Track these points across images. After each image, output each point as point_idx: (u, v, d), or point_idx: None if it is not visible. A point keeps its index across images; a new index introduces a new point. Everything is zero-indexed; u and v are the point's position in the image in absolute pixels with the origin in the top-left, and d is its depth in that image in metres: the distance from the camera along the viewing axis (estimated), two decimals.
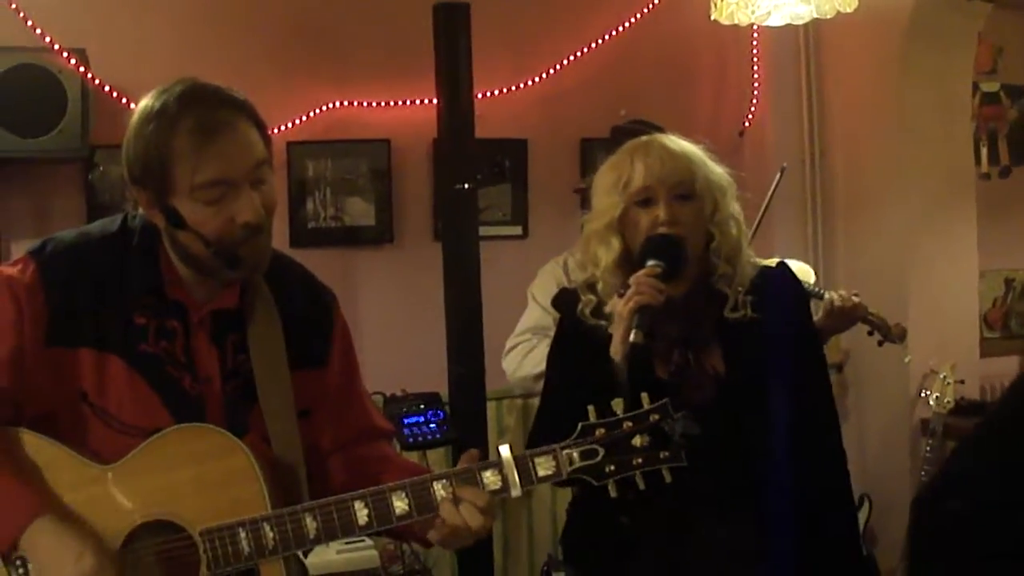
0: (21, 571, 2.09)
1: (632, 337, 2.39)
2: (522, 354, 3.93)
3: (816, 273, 5.34)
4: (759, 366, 2.53)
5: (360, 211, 5.03)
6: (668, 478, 2.12)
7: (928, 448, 4.89)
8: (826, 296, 3.73)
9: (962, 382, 4.96)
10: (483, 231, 4.78)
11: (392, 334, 5.01)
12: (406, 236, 5.12)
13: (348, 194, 5.01)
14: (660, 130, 3.16)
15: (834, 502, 2.63)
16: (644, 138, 2.63)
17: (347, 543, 4.14)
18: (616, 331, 2.45)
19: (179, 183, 2.11)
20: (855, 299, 3.74)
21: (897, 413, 5.23)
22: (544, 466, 2.12)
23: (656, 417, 2.12)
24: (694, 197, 2.53)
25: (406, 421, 4.49)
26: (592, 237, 2.60)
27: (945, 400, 4.92)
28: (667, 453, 2.11)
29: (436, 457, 4.56)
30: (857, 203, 5.42)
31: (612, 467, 2.11)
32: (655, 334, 2.52)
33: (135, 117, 2.16)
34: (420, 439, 4.49)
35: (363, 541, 4.16)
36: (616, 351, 2.43)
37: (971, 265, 5.26)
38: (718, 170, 2.59)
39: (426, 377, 4.64)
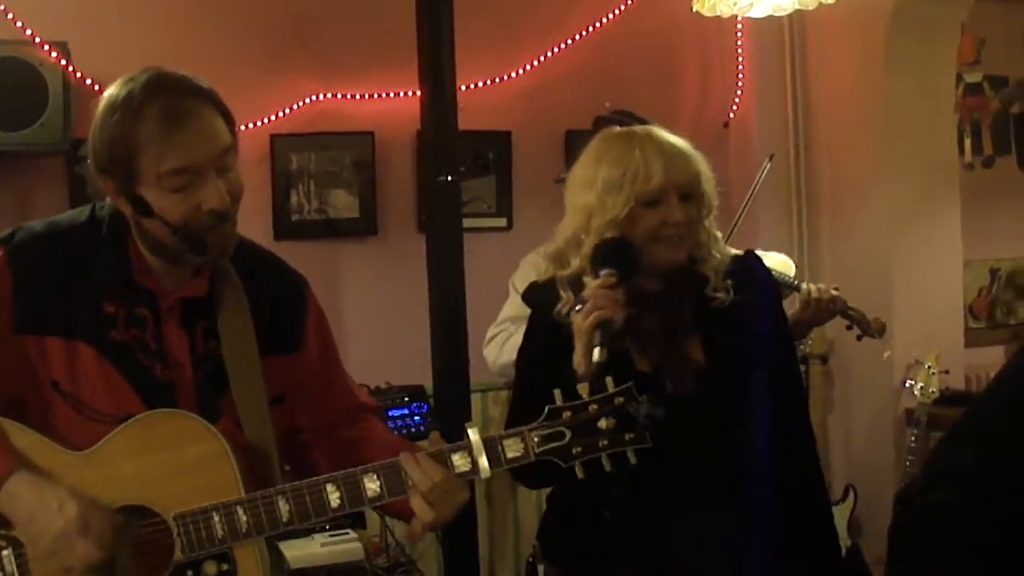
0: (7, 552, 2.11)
1: (596, 356, 2.30)
2: (501, 343, 3.94)
3: (801, 264, 5.38)
4: (739, 354, 2.52)
5: (344, 203, 5.02)
6: (633, 459, 2.14)
7: (913, 438, 4.90)
8: (804, 287, 3.71)
9: (947, 372, 4.98)
10: (468, 223, 4.78)
11: (376, 327, 5.01)
12: (390, 228, 5.12)
13: (332, 186, 5.00)
14: (644, 122, 3.14)
15: (810, 488, 2.64)
16: (639, 129, 2.58)
17: (331, 535, 4.15)
18: (577, 345, 2.37)
19: (145, 171, 2.12)
20: (833, 292, 3.73)
21: (882, 403, 5.25)
22: (512, 448, 2.14)
23: (621, 400, 2.15)
24: (696, 196, 2.51)
25: (390, 414, 4.50)
26: (592, 233, 2.50)
27: (930, 390, 4.93)
28: (632, 435, 2.14)
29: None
30: (841, 194, 5.43)
31: (579, 449, 2.14)
32: (636, 327, 2.51)
33: (101, 106, 2.17)
34: (404, 432, 4.48)
35: (347, 534, 4.16)
36: (579, 367, 2.34)
37: (955, 255, 5.28)
38: (706, 164, 2.57)
39: (410, 370, 4.64)
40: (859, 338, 3.98)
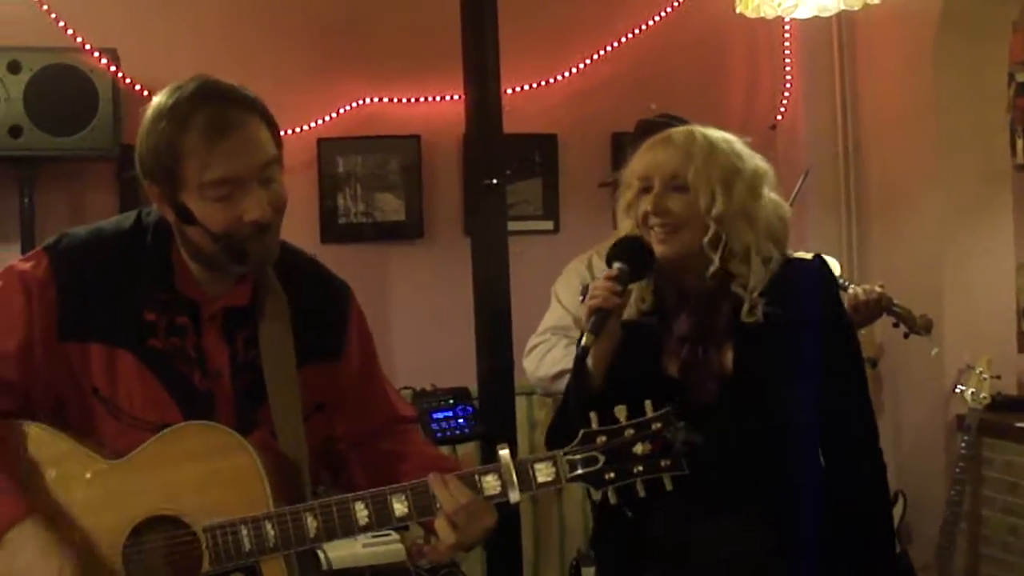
0: None
1: (583, 340, 2.39)
2: (541, 355, 3.93)
3: (850, 267, 5.34)
4: (770, 367, 2.49)
5: (390, 207, 5.06)
6: (669, 486, 2.12)
7: (963, 444, 4.83)
8: (850, 290, 3.68)
9: (998, 377, 4.89)
10: (514, 226, 4.79)
11: (422, 329, 5.04)
12: (436, 231, 5.14)
13: (378, 190, 5.04)
14: (685, 123, 3.16)
15: (868, 503, 2.58)
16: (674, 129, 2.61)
17: (373, 536, 4.16)
18: None
19: (188, 180, 2.13)
20: (879, 290, 3.69)
21: (932, 409, 5.17)
22: (544, 472, 2.12)
23: (658, 425, 2.12)
24: (687, 189, 2.49)
25: (435, 416, 4.52)
26: (618, 221, 2.61)
27: (981, 395, 4.85)
28: (668, 461, 2.11)
29: (465, 452, 4.57)
30: (891, 196, 5.37)
31: (612, 474, 2.12)
32: (668, 327, 2.54)
33: (148, 113, 2.18)
34: (449, 434, 4.51)
35: (389, 535, 4.17)
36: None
37: (1007, 258, 5.18)
38: (731, 163, 2.52)
39: (456, 372, 4.66)
40: (906, 335, 3.94)
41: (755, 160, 2.58)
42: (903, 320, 3.84)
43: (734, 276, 2.52)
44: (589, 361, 2.45)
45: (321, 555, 3.87)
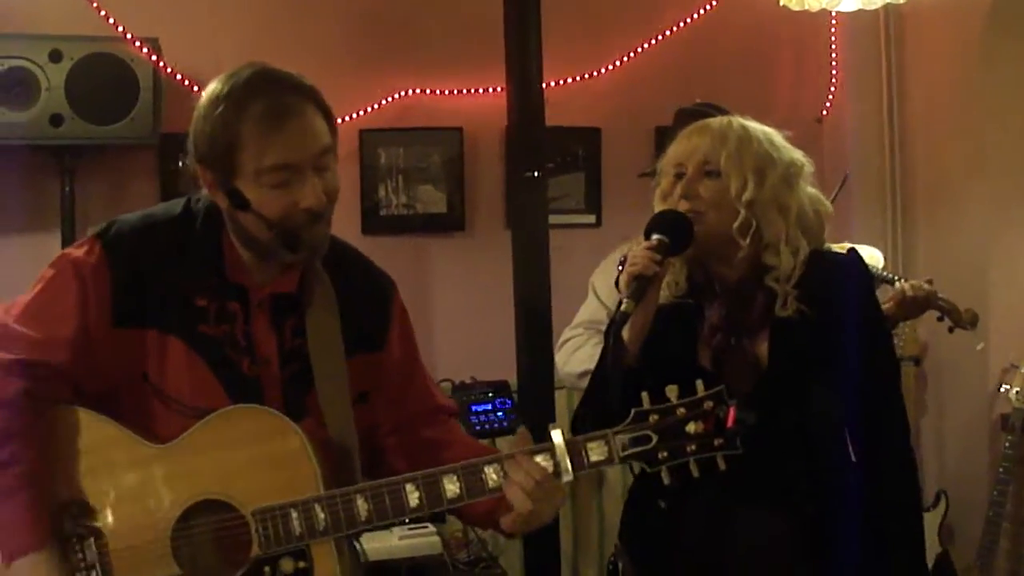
0: (77, 547, 2.14)
1: (623, 306, 2.38)
2: (571, 351, 3.92)
3: (895, 261, 5.28)
4: (804, 359, 2.48)
5: (432, 199, 5.04)
6: (722, 465, 2.11)
7: (1007, 444, 4.78)
8: (897, 286, 3.65)
9: None
10: (556, 219, 4.77)
11: (462, 321, 5.03)
12: (478, 224, 5.12)
13: (420, 182, 5.02)
14: (724, 112, 3.14)
15: (896, 505, 2.55)
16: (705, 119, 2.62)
17: (410, 529, 4.17)
18: None
19: (245, 166, 2.15)
20: (927, 286, 3.66)
21: (976, 408, 5.11)
22: (596, 451, 2.12)
23: (711, 404, 2.12)
24: (719, 174, 2.50)
25: (474, 409, 4.50)
26: (654, 208, 2.59)
27: None
28: (722, 440, 2.11)
29: (504, 446, 4.54)
30: (938, 190, 5.31)
31: (665, 453, 2.11)
32: (701, 316, 2.55)
33: (204, 99, 2.20)
34: (488, 427, 4.49)
35: (426, 527, 4.18)
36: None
37: None
38: (765, 152, 2.52)
39: (496, 365, 4.64)
40: (951, 329, 3.91)
41: (792, 153, 2.59)
42: (948, 314, 3.82)
43: (768, 269, 2.51)
44: (626, 332, 2.43)
45: (357, 547, 3.90)
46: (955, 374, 5.20)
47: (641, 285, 2.41)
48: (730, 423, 2.10)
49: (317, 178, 2.18)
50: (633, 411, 2.12)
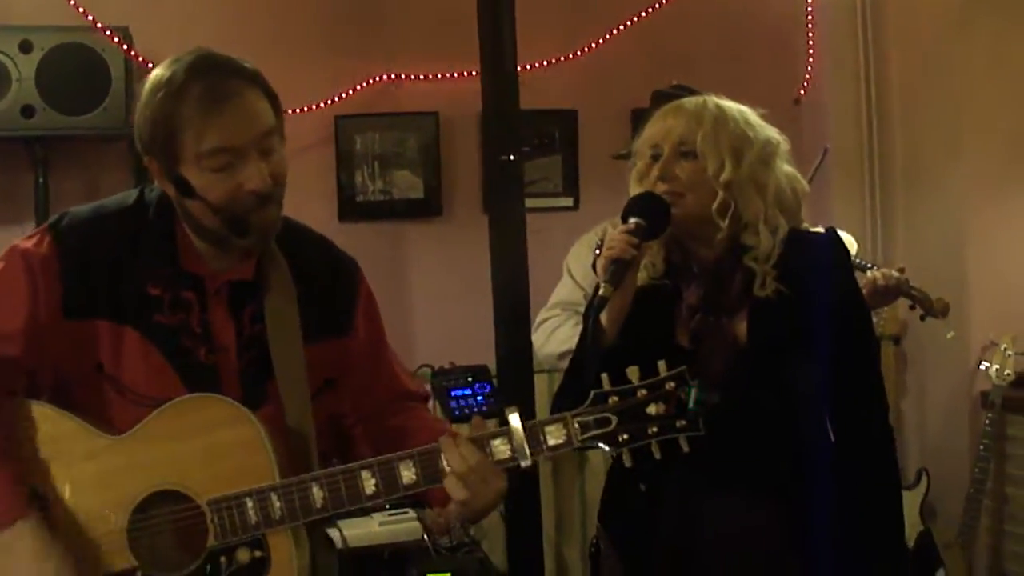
0: None
1: (601, 290, 2.37)
2: (549, 331, 3.91)
3: (874, 241, 5.30)
4: (783, 338, 2.48)
5: (408, 184, 5.03)
6: (685, 447, 2.08)
7: (987, 421, 4.79)
8: (868, 274, 3.66)
9: (1023, 354, 4.85)
10: (534, 202, 4.77)
11: (441, 307, 5.02)
12: (455, 209, 5.11)
13: (396, 167, 5.01)
14: (699, 94, 3.16)
15: (874, 483, 2.55)
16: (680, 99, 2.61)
17: (390, 514, 4.15)
18: None
19: (186, 152, 2.14)
20: (896, 274, 3.67)
21: (956, 386, 5.13)
22: (554, 435, 2.09)
23: (672, 385, 2.08)
24: (696, 155, 2.49)
25: (454, 393, 4.48)
26: (630, 191, 2.59)
27: (1005, 372, 4.81)
28: (684, 422, 2.07)
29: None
30: (916, 170, 5.31)
31: (626, 436, 2.08)
32: (679, 296, 2.54)
33: (146, 86, 2.19)
34: (467, 412, 4.47)
35: (406, 512, 4.16)
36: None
37: None
38: (741, 131, 2.52)
39: (475, 350, 4.63)
40: (922, 318, 3.93)
41: (768, 131, 2.58)
42: (919, 303, 3.84)
43: (746, 249, 2.51)
44: (604, 315, 2.43)
45: (337, 533, 3.90)
46: (935, 353, 5.20)
47: (619, 269, 2.40)
48: (692, 404, 2.07)
49: (262, 161, 2.15)
50: (593, 393, 2.10)
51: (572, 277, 3.91)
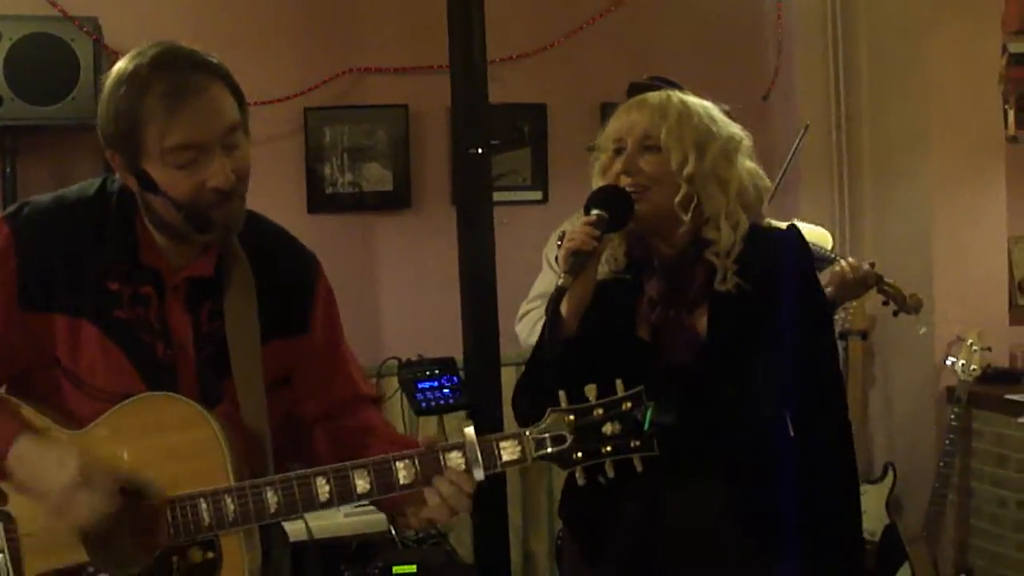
0: None
1: (561, 281, 2.38)
2: (532, 322, 3.90)
3: (843, 237, 5.32)
4: (743, 332, 2.50)
5: (378, 177, 5.02)
6: (639, 467, 2.09)
7: (953, 416, 4.83)
8: (836, 267, 3.66)
9: (989, 349, 4.88)
10: (503, 196, 4.80)
11: (409, 299, 5.03)
12: (424, 202, 5.10)
13: (366, 160, 5.00)
14: (677, 87, 3.17)
15: (833, 478, 2.59)
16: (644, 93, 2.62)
17: (355, 507, 4.14)
18: None
19: (149, 146, 2.10)
20: (866, 267, 3.67)
21: (922, 381, 5.17)
22: (509, 451, 2.09)
23: (628, 405, 2.08)
24: (659, 149, 2.50)
25: (420, 386, 4.51)
26: (593, 184, 2.60)
27: (971, 368, 4.85)
28: (638, 442, 2.07)
29: (451, 422, 4.57)
30: (884, 165, 5.34)
31: (580, 454, 2.08)
32: (640, 290, 2.55)
33: (109, 80, 2.16)
34: (434, 404, 4.50)
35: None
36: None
37: (999, 230, 5.16)
38: (705, 127, 2.53)
39: (442, 342, 4.65)
40: (895, 314, 3.93)
41: (731, 127, 2.59)
42: (893, 299, 3.84)
43: (708, 243, 2.52)
44: (563, 306, 2.43)
45: (303, 525, 3.90)
46: (902, 348, 5.24)
47: (579, 260, 2.41)
48: (647, 424, 2.07)
49: (225, 156, 2.13)
50: (549, 410, 2.10)
51: (552, 268, 3.92)
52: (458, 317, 4.52)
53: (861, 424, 5.16)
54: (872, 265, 3.75)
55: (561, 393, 2.10)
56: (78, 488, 2.05)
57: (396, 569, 4.20)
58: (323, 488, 2.11)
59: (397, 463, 2.11)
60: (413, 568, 4.23)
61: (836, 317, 3.73)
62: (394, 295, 4.99)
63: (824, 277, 3.57)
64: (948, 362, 4.95)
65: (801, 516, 2.49)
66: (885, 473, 5.09)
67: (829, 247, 3.83)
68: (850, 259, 3.73)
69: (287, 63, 4.81)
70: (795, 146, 4.30)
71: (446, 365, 4.58)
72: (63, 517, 2.08)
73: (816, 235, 3.81)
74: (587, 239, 2.41)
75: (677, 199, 2.49)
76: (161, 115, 2.08)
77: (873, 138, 5.40)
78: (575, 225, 2.47)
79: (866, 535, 4.82)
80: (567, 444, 2.08)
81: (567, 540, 2.81)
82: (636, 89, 3.67)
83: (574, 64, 5.19)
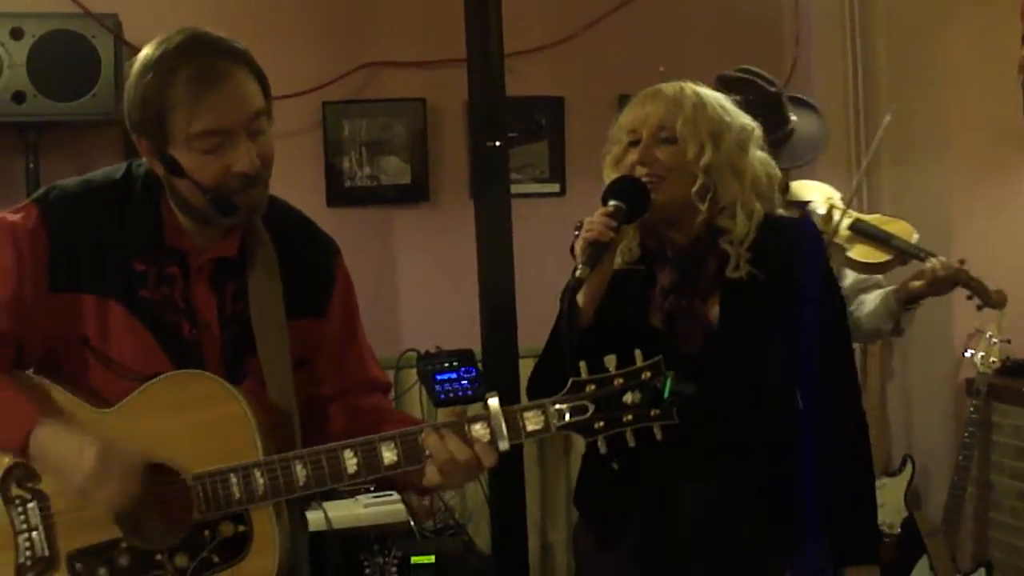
0: (20, 510, 2.17)
1: (578, 272, 2.40)
2: None
3: None
4: (755, 321, 2.53)
5: (396, 170, 5.04)
6: (659, 435, 2.11)
7: (972, 409, 4.81)
8: (928, 264, 3.68)
9: (1008, 341, 4.85)
10: (520, 189, 4.82)
11: (427, 291, 5.04)
12: (442, 195, 5.12)
13: (384, 153, 5.02)
14: (765, 78, 3.52)
15: (848, 464, 2.62)
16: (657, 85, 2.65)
17: (375, 496, 4.20)
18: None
19: (176, 132, 2.15)
20: (955, 264, 3.70)
21: (941, 373, 5.15)
22: (532, 421, 2.12)
23: (648, 374, 2.11)
24: (676, 140, 2.53)
25: (439, 378, 4.52)
26: (604, 175, 2.64)
27: (990, 360, 4.82)
28: (658, 411, 2.11)
29: (469, 413, 4.57)
30: (903, 158, 5.32)
31: (601, 423, 2.11)
32: (653, 279, 2.58)
33: (135, 67, 2.20)
34: (452, 396, 4.51)
35: (390, 495, 4.20)
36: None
37: (1019, 222, 5.13)
38: (720, 117, 2.57)
39: (460, 334, 4.66)
40: (980, 307, 3.93)
41: (743, 117, 2.64)
42: (977, 293, 3.84)
43: (722, 232, 2.55)
44: (580, 297, 2.46)
45: (322, 515, 3.94)
46: (920, 340, 5.20)
47: (597, 251, 2.42)
48: (667, 393, 2.10)
49: (251, 142, 2.17)
50: (571, 381, 2.13)
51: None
52: (476, 309, 4.53)
53: (880, 416, 5.16)
54: (962, 262, 3.76)
55: (582, 364, 2.13)
56: (99, 476, 2.08)
57: (415, 559, 4.23)
58: (351, 461, 2.14)
59: (423, 434, 2.15)
60: (431, 558, 4.26)
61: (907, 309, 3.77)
62: (412, 288, 5.01)
63: (910, 271, 3.70)
64: (967, 354, 4.92)
65: (816, 504, 2.51)
66: (904, 465, 5.08)
67: (914, 240, 3.83)
68: (940, 257, 3.74)
69: (305, 58, 4.83)
70: (879, 133, 4.28)
71: (464, 357, 4.59)
72: (88, 506, 2.13)
73: (900, 228, 3.85)
74: (604, 229, 2.43)
75: (694, 189, 2.53)
76: (188, 101, 2.13)
77: (892, 128, 5.37)
78: (590, 216, 2.49)
79: (884, 528, 4.83)
80: (588, 414, 2.11)
81: (581, 528, 2.83)
82: (724, 81, 3.69)
83: (591, 57, 5.19)
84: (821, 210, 3.73)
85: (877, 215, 3.98)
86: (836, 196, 3.88)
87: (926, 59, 5.14)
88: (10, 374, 2.21)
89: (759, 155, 2.63)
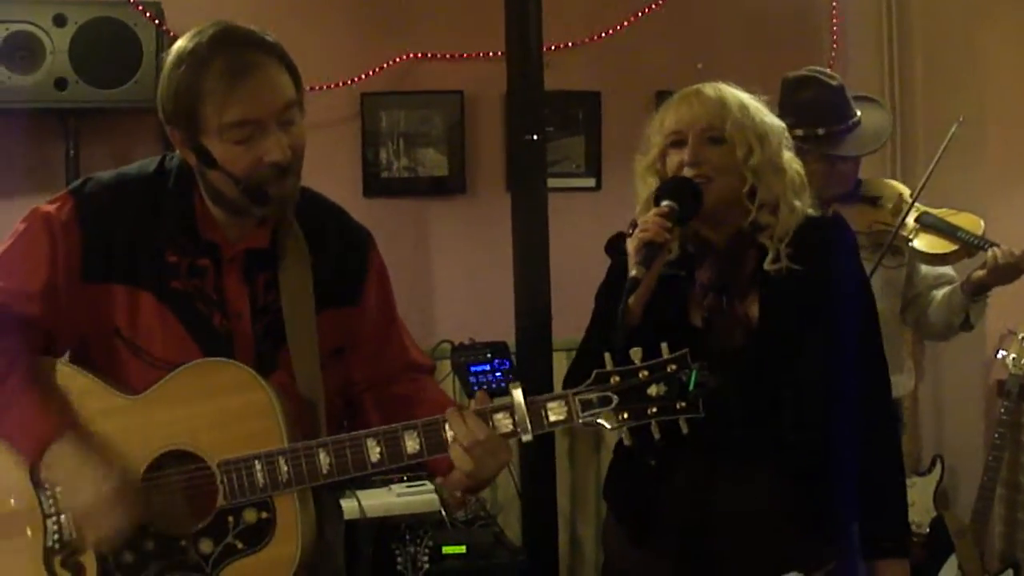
0: (49, 494, 2.21)
1: (633, 272, 2.40)
2: None
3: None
4: (795, 317, 2.53)
5: (433, 162, 5.06)
6: (685, 429, 2.11)
7: (1003, 410, 4.80)
8: (989, 253, 3.70)
9: None
10: (556, 183, 4.81)
11: (462, 283, 5.07)
12: (478, 187, 5.14)
13: (421, 145, 5.04)
14: (827, 74, 3.63)
15: (882, 460, 2.63)
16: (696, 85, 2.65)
17: (408, 486, 4.22)
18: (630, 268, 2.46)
19: (208, 123, 2.18)
20: (1018, 253, 3.71)
21: (973, 374, 5.13)
22: (556, 411, 2.13)
23: (673, 367, 2.11)
24: (724, 141, 2.54)
25: (473, 369, 4.55)
26: (636, 177, 2.65)
27: (1022, 361, 4.81)
28: (684, 404, 2.10)
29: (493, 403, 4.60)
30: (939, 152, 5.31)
31: (626, 415, 2.12)
32: (692, 278, 2.58)
33: (169, 59, 2.23)
34: (486, 388, 4.52)
35: (424, 484, 4.23)
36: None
37: None
38: (761, 118, 2.58)
39: (494, 327, 4.69)
40: None
41: (775, 118, 2.66)
42: None
43: (762, 228, 2.57)
44: (632, 298, 2.45)
45: (355, 503, 3.96)
46: (953, 341, 5.18)
47: (652, 252, 2.43)
48: (692, 386, 2.10)
49: (282, 132, 2.19)
50: (595, 372, 2.13)
51: None
52: (510, 302, 4.55)
53: (911, 416, 5.15)
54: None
55: (606, 355, 2.14)
56: (107, 508, 2.13)
57: (446, 549, 4.27)
58: (374, 449, 2.17)
59: (447, 424, 2.17)
60: (463, 548, 4.30)
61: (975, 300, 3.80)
62: (447, 279, 5.03)
63: (975, 262, 3.76)
64: (999, 355, 4.90)
65: (851, 500, 2.52)
66: (933, 465, 5.07)
67: (980, 232, 3.86)
68: (1003, 246, 3.76)
69: (344, 49, 4.86)
70: (948, 137, 4.28)
71: (498, 349, 4.61)
72: (87, 529, 2.17)
73: (968, 221, 3.89)
74: (660, 230, 2.44)
75: (745, 189, 2.54)
76: (220, 92, 2.16)
77: (927, 129, 5.36)
78: (645, 216, 2.50)
79: (913, 527, 4.81)
80: (613, 405, 2.11)
81: (611, 523, 2.84)
82: (792, 83, 3.73)
83: (629, 52, 5.19)
84: (890, 204, 3.81)
85: (945, 208, 4.00)
86: (906, 191, 3.92)
87: (962, 58, 5.12)
88: (40, 370, 2.23)
89: (789, 154, 2.65)
